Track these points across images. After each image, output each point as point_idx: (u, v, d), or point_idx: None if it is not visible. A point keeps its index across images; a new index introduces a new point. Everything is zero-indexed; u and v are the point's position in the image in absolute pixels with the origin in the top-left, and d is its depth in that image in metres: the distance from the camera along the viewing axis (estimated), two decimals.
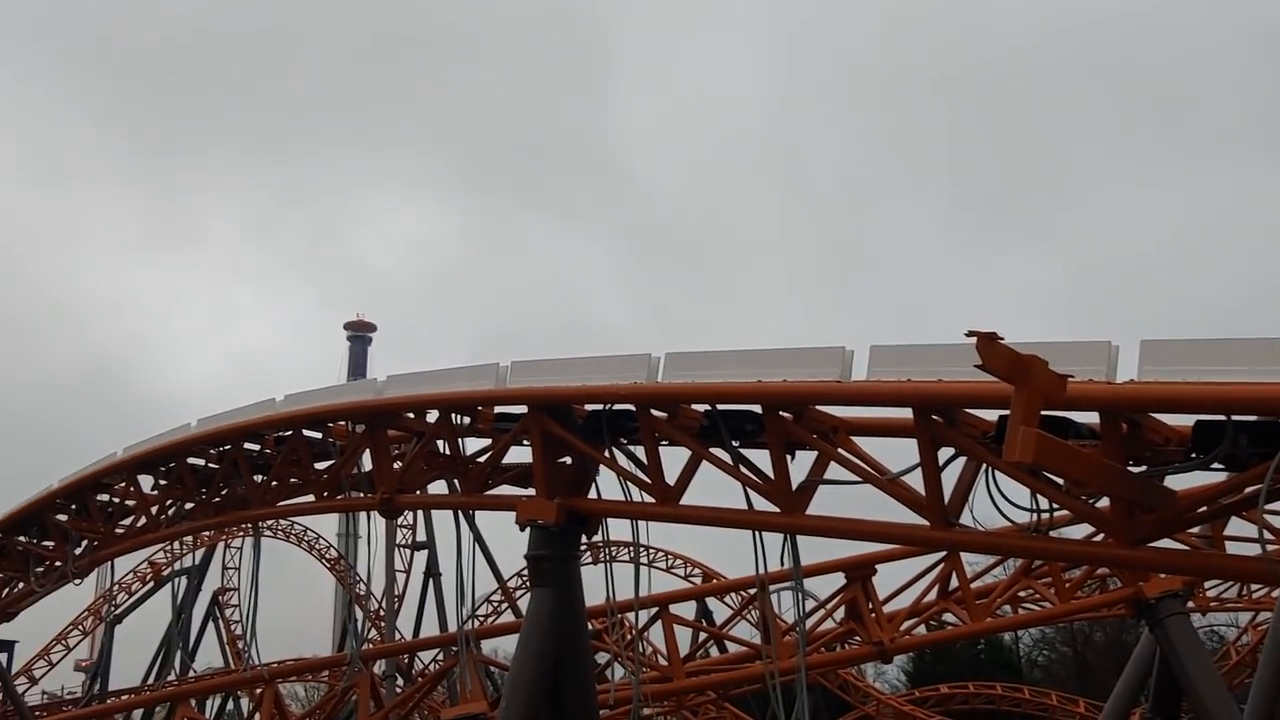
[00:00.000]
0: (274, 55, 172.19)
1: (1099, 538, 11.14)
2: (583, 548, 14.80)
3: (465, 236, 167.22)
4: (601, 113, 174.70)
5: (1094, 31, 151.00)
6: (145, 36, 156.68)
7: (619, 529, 14.74)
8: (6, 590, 22.80)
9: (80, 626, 52.91)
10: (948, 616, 19.37)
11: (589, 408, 13.83)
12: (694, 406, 12.79)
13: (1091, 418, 9.63)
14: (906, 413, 10.57)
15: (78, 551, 21.30)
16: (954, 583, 18.48)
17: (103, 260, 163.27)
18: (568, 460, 14.22)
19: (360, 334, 76.03)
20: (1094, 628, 51.92)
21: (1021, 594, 19.66)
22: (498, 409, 14.84)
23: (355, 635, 38.54)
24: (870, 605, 17.77)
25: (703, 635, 22.76)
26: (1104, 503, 9.76)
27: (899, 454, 11.03)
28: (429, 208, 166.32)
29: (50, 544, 21.70)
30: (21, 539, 21.95)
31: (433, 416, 15.40)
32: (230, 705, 39.81)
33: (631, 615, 16.81)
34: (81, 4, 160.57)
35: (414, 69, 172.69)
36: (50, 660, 52.07)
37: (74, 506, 21.04)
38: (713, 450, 12.57)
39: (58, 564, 21.56)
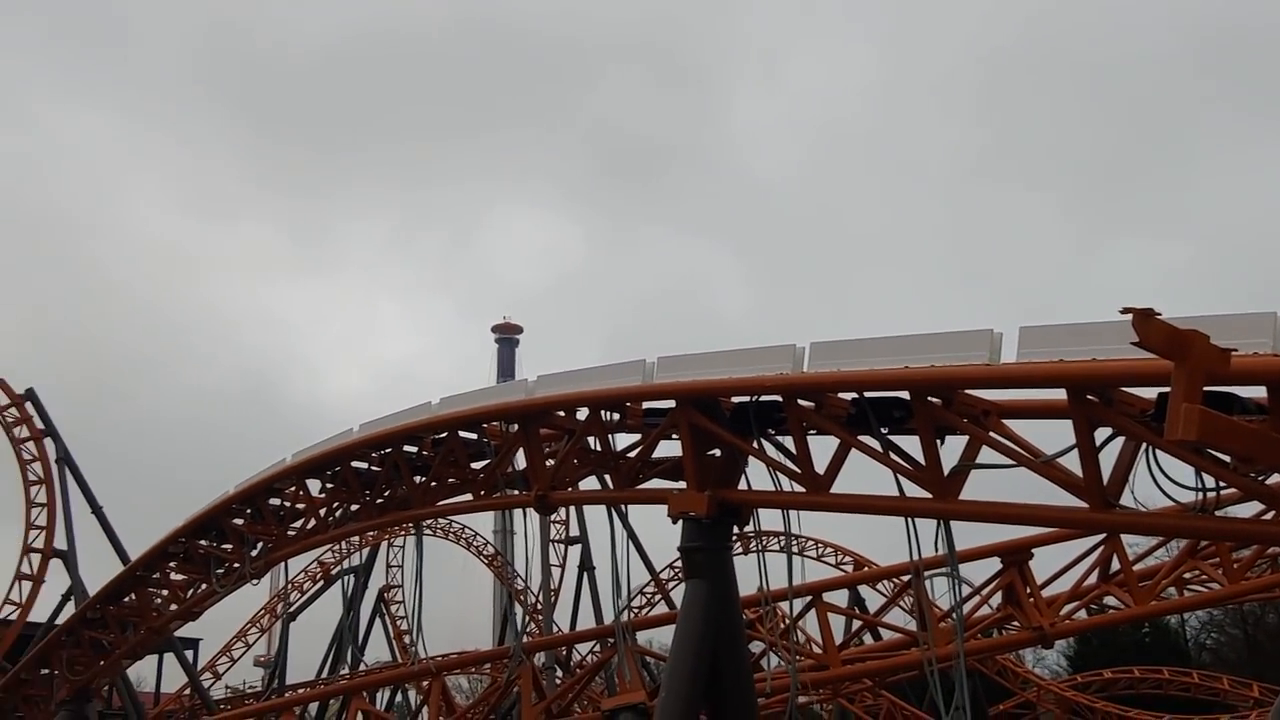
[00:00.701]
0: (403, 78, 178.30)
1: (1269, 515, 10.78)
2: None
3: (589, 242, 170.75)
4: (714, 115, 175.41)
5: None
6: (283, 68, 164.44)
7: (770, 519, 14.84)
8: (191, 591, 24.01)
9: (258, 624, 55.35)
10: (1109, 600, 18.87)
11: (736, 400, 13.96)
12: (841, 395, 12.82)
13: (1258, 392, 9.37)
14: (1060, 393, 10.42)
15: (254, 553, 22.34)
16: (1115, 565, 18.02)
17: (257, 280, 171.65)
18: (717, 452, 14.36)
19: (507, 336, 77.48)
20: (1266, 609, 49.64)
21: (1187, 575, 18.99)
22: (646, 404, 15.07)
23: (516, 629, 39.42)
24: (1028, 590, 17.46)
25: (856, 623, 22.72)
26: (1275, 479, 9.48)
27: (1053, 436, 10.91)
28: (554, 216, 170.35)
29: (229, 547, 22.80)
30: (203, 543, 23.09)
31: (583, 414, 15.71)
32: (399, 698, 41.12)
33: (784, 604, 16.89)
34: (220, 43, 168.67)
35: (533, 84, 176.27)
36: (232, 656, 54.57)
37: (249, 511, 22.04)
38: (861, 438, 12.56)
39: (236, 565, 22.62)
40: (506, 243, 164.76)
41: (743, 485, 14.39)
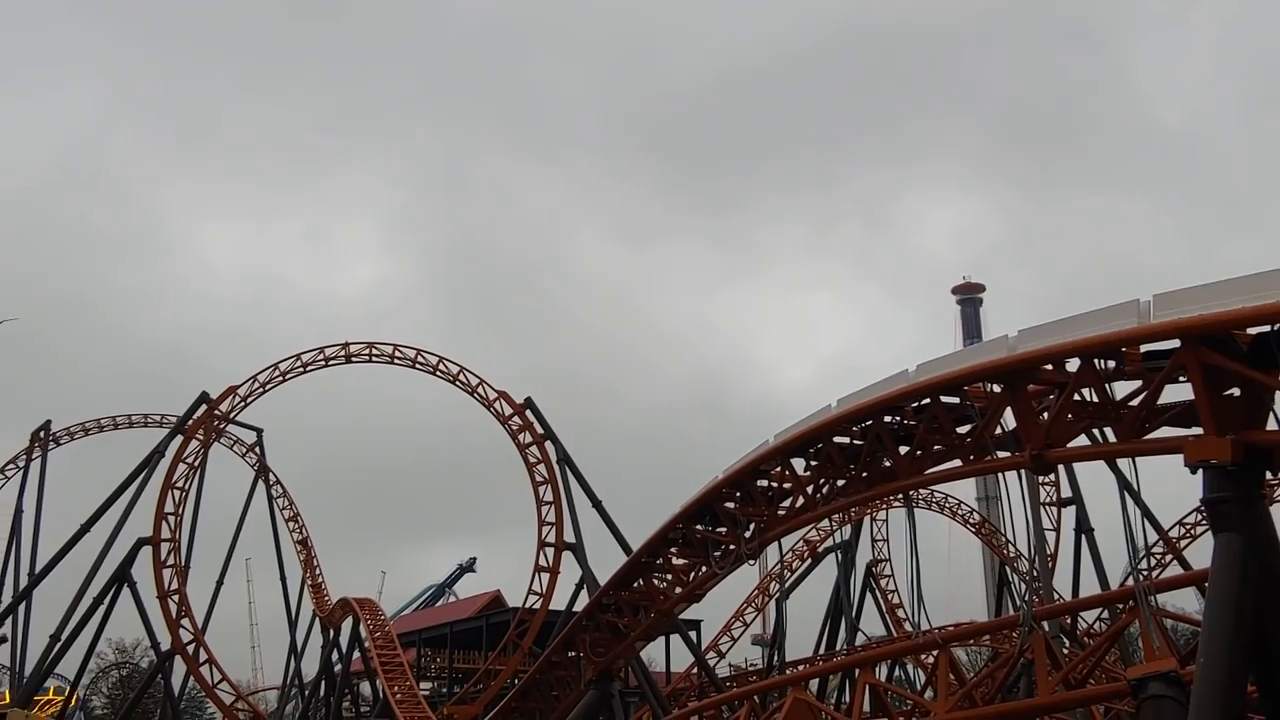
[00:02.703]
0: (799, 88, 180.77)
1: None
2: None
3: (1004, 214, 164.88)
4: (1117, 70, 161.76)
5: None
6: (684, 98, 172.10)
7: None
8: (692, 574, 25.13)
9: (753, 604, 57.47)
10: None
11: (1253, 331, 12.57)
12: None
13: None
14: None
15: (747, 534, 23.00)
16: None
17: (699, 294, 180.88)
18: (1235, 391, 13.01)
19: (970, 296, 75.63)
20: None
21: None
22: (1145, 347, 13.92)
23: (1021, 597, 38.02)
24: None
25: None
26: None
27: None
28: (966, 193, 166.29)
29: (723, 530, 23.62)
30: (699, 527, 24.10)
31: (1073, 365, 14.77)
32: (897, 671, 41.02)
33: None
34: (623, 88, 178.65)
35: (927, 70, 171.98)
36: (731, 635, 57.11)
37: (738, 493, 22.73)
38: None
39: (732, 547, 23.41)
40: (920, 225, 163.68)
41: (1271, 425, 12.94)
